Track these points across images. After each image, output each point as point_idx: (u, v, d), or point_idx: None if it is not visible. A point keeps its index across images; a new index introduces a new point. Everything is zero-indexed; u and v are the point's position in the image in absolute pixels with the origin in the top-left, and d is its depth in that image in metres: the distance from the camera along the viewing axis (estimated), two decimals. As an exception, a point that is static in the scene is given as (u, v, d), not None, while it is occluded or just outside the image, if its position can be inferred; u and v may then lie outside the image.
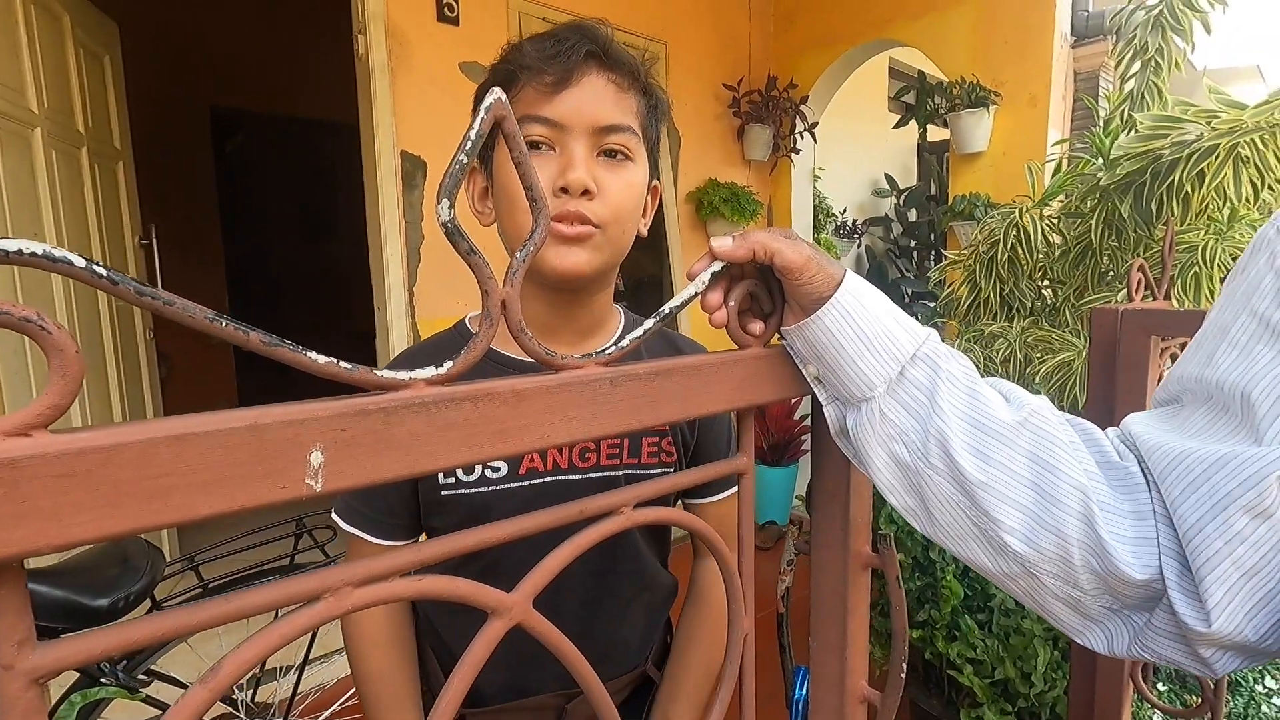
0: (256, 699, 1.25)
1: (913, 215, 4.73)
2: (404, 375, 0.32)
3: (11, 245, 0.23)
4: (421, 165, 2.14)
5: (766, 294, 0.49)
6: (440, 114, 2.15)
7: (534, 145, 0.60)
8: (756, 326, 0.48)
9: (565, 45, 0.60)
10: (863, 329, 0.43)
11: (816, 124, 3.25)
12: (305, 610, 0.30)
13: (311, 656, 1.26)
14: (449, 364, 0.34)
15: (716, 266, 0.46)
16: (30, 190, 1.76)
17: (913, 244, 4.77)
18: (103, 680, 0.97)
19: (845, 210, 4.53)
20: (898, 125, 3.53)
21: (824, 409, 0.49)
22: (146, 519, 0.25)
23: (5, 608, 0.24)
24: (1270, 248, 0.37)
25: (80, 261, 0.24)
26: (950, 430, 0.42)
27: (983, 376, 0.46)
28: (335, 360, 0.30)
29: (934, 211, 4.39)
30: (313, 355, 0.30)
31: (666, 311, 0.43)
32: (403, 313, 2.14)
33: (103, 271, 0.25)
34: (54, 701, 1.00)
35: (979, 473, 0.41)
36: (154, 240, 2.40)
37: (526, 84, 0.60)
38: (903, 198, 4.75)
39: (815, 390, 0.49)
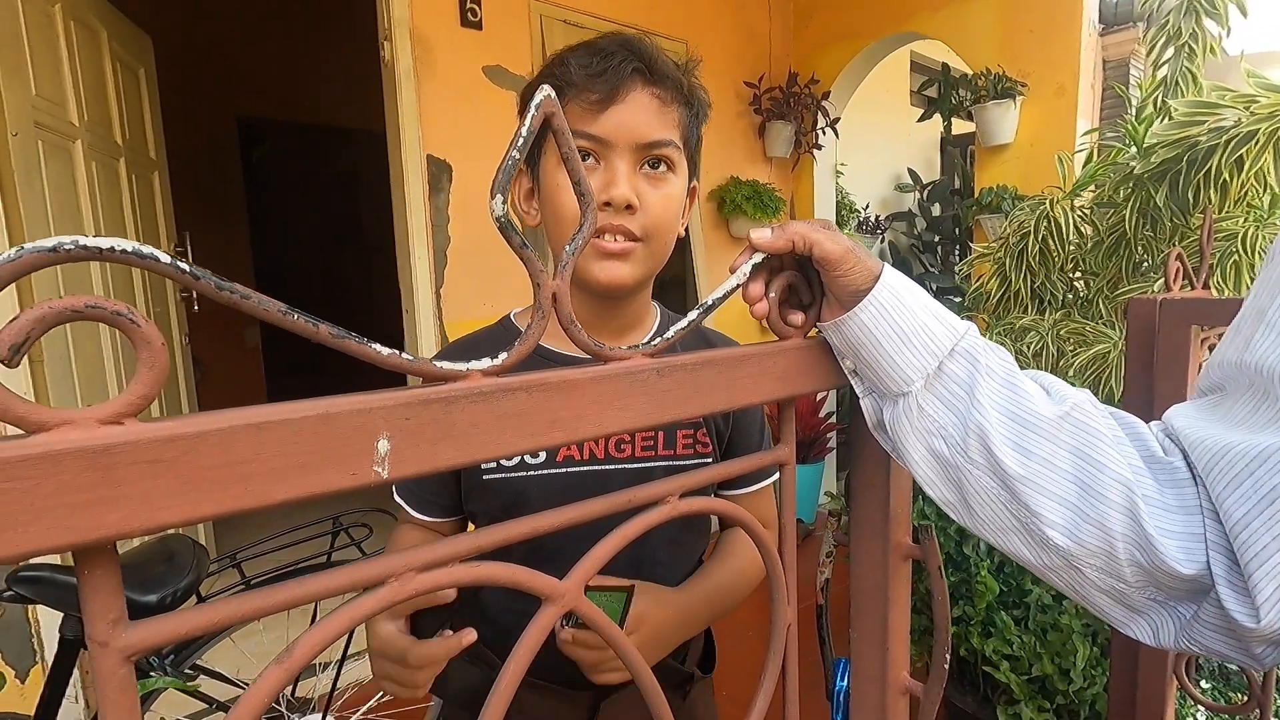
0: (296, 694, 1.28)
1: (936, 210, 4.67)
2: (461, 367, 0.33)
3: (105, 243, 0.25)
4: (447, 169, 2.17)
5: (806, 286, 0.49)
6: (464, 118, 2.17)
7: (582, 156, 0.62)
8: (797, 318, 0.49)
9: (611, 61, 0.62)
10: (900, 324, 0.43)
11: (838, 120, 3.23)
12: (372, 594, 0.31)
13: (350, 652, 1.29)
14: (503, 355, 0.35)
15: (757, 258, 0.46)
16: (72, 200, 1.82)
17: (937, 239, 4.71)
18: (152, 673, 1.00)
19: (868, 206, 4.49)
20: (922, 119, 3.49)
21: (860, 401, 0.49)
22: (229, 504, 0.26)
23: (100, 587, 0.25)
24: None
25: (165, 258, 0.25)
26: (990, 425, 0.42)
27: None
28: (398, 352, 0.31)
29: (958, 206, 4.34)
30: (377, 347, 0.31)
31: (710, 303, 0.44)
32: (430, 315, 2.16)
33: (186, 267, 0.26)
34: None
35: (1020, 467, 0.41)
36: (189, 248, 2.46)
37: (573, 99, 0.63)
38: (926, 192, 4.70)
39: (853, 383, 0.49)
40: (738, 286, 0.46)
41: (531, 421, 0.34)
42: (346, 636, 1.29)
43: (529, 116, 0.35)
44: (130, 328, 0.25)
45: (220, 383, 3.85)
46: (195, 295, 2.43)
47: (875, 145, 4.51)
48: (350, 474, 0.29)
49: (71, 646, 0.95)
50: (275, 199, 5.15)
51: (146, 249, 0.25)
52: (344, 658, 1.25)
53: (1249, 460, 0.35)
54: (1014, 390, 0.43)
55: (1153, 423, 0.45)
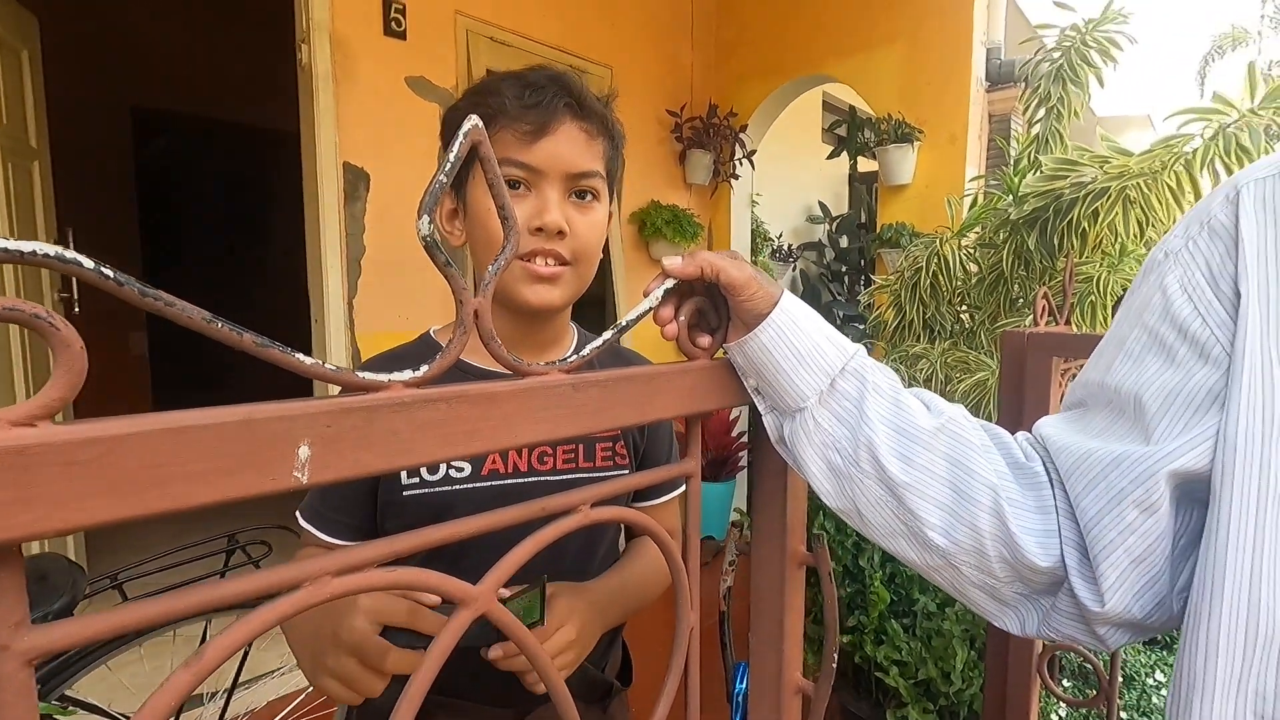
0: (179, 725, 1.19)
1: (844, 242, 4.95)
2: (383, 377, 0.35)
3: (26, 246, 0.25)
4: (364, 177, 2.12)
5: (713, 310, 0.53)
6: (385, 126, 2.13)
7: (511, 185, 0.65)
8: (704, 340, 0.53)
9: (544, 95, 0.65)
10: (796, 345, 0.48)
11: (754, 151, 3.38)
12: (286, 598, 0.32)
13: (241, 679, 1.22)
14: (425, 368, 0.36)
15: (669, 284, 0.50)
16: (-66, 188, 1.65)
17: (844, 269, 4.99)
18: (13, 706, 0.91)
19: (781, 235, 4.70)
20: (831, 156, 3.71)
21: (763, 418, 0.53)
22: (147, 506, 0.27)
23: (6, 590, 0.25)
24: (1159, 270, 0.43)
25: (89, 263, 0.26)
26: (878, 437, 0.46)
27: None
28: (320, 362, 0.33)
29: (864, 238, 4.62)
30: (300, 357, 0.32)
31: (624, 324, 0.47)
32: (341, 325, 2.10)
33: (110, 273, 0.26)
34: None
35: (904, 475, 0.46)
36: (71, 244, 2.27)
37: (505, 128, 0.65)
38: (835, 225, 4.97)
39: (755, 400, 0.53)
40: (650, 310, 0.49)
41: (451, 431, 0.36)
42: (239, 663, 1.22)
43: (457, 143, 0.37)
44: (49, 331, 0.26)
45: (100, 393, 3.54)
46: (75, 297, 2.25)
47: (789, 177, 4.74)
48: (270, 479, 0.30)
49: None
50: (172, 196, 4.82)
51: (69, 254, 0.26)
52: (234, 685, 1.18)
53: (1104, 465, 0.41)
54: (898, 405, 0.48)
55: (1019, 433, 0.51)
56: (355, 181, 2.09)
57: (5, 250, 0.25)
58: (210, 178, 5.06)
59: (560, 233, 0.65)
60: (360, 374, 0.34)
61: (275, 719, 1.27)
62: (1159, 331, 0.42)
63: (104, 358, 3.85)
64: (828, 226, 5.03)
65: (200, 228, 5.12)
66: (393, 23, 2.13)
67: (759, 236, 4.11)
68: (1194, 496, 0.40)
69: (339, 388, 0.34)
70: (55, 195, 2.40)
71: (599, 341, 0.45)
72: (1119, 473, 0.41)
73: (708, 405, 0.51)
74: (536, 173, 0.65)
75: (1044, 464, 0.47)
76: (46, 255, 0.25)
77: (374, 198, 2.13)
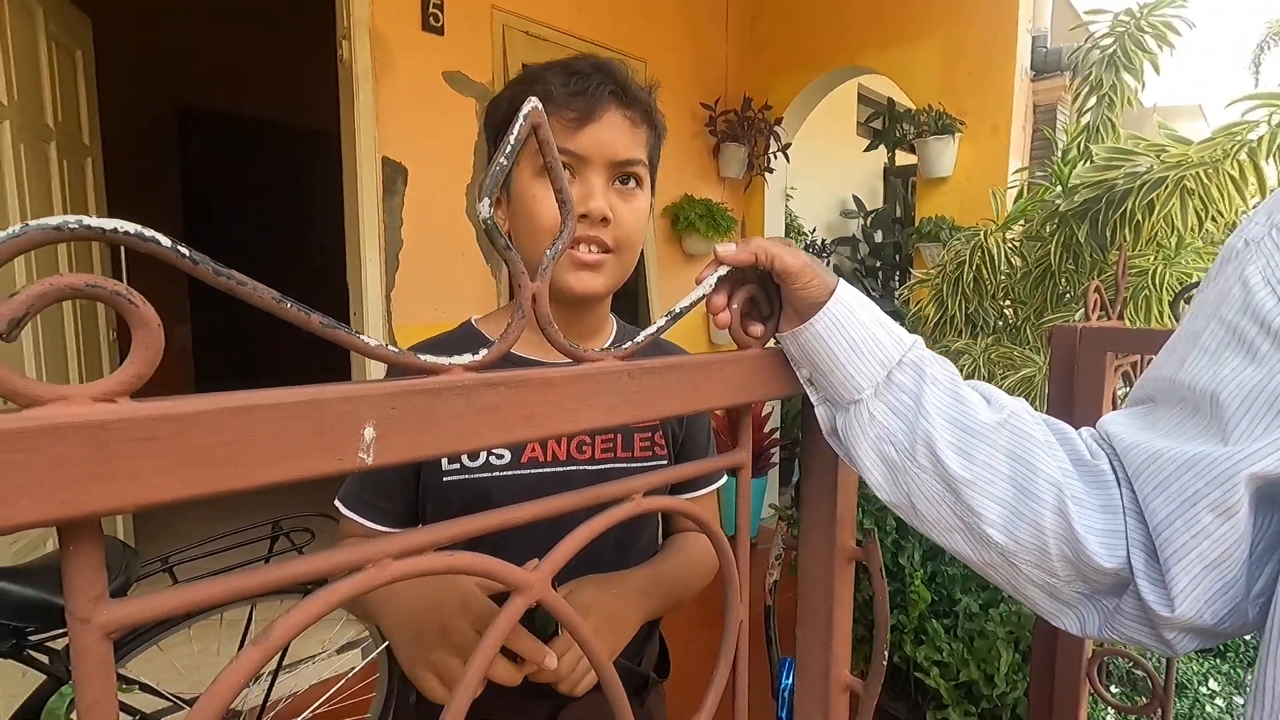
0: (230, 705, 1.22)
1: (879, 236, 4.87)
2: (444, 361, 0.35)
3: (107, 224, 0.25)
4: (403, 171, 2.14)
5: (766, 299, 0.52)
6: (422, 122, 2.16)
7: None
8: (757, 329, 0.52)
9: (590, 83, 0.65)
10: (851, 335, 0.47)
11: (789, 145, 3.34)
12: (349, 580, 0.32)
13: (285, 663, 1.24)
14: (484, 351, 0.36)
15: (722, 271, 0.49)
16: (-4, 183, 1.72)
17: (878, 264, 4.91)
18: (69, 683, 0.95)
19: (815, 229, 4.64)
20: (868, 149, 3.65)
21: (815, 409, 0.52)
22: (217, 483, 0.27)
23: (84, 564, 0.25)
24: (1238, 260, 0.41)
25: (167, 241, 0.26)
26: (936, 431, 0.45)
27: None
28: (384, 344, 0.32)
29: (899, 233, 4.53)
30: (365, 338, 0.32)
31: (678, 311, 0.46)
32: (379, 317, 2.13)
33: (185, 252, 0.26)
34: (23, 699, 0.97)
35: (963, 470, 0.44)
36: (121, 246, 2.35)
37: (550, 115, 0.65)
38: (869, 219, 4.89)
39: (807, 391, 0.52)
40: (704, 297, 0.48)
41: (510, 416, 0.36)
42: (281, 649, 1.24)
43: (518, 125, 0.36)
44: (128, 308, 0.26)
45: (144, 385, 3.65)
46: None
47: (823, 171, 4.68)
48: (336, 459, 0.30)
49: (-17, 654, 0.89)
50: (214, 192, 4.95)
51: (148, 232, 0.26)
52: (278, 668, 1.20)
53: (1176, 465, 0.39)
54: (957, 399, 0.47)
55: (1083, 429, 0.49)
56: (393, 176, 2.12)
57: (88, 227, 0.25)
58: (251, 175, 5.17)
59: (604, 220, 0.65)
60: (422, 357, 0.34)
61: (316, 703, 1.29)
62: (1238, 326, 0.40)
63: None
64: (862, 221, 4.96)
65: (240, 224, 5.25)
66: (431, 18, 2.15)
67: (793, 231, 4.07)
68: (1275, 500, 0.38)
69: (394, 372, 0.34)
70: (109, 191, 2.48)
71: (653, 329, 0.45)
72: (1193, 475, 0.39)
73: (759, 395, 0.51)
74: (581, 160, 0.65)
75: (1110, 461, 0.45)
76: (127, 233, 0.26)
77: (411, 192, 2.15)
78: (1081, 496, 0.43)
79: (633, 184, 0.69)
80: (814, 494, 0.61)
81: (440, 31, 2.18)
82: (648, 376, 0.43)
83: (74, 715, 0.68)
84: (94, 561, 0.26)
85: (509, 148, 0.36)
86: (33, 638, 0.95)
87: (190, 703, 1.18)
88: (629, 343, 0.43)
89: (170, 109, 4.16)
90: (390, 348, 0.32)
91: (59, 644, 0.99)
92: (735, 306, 0.50)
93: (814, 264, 0.48)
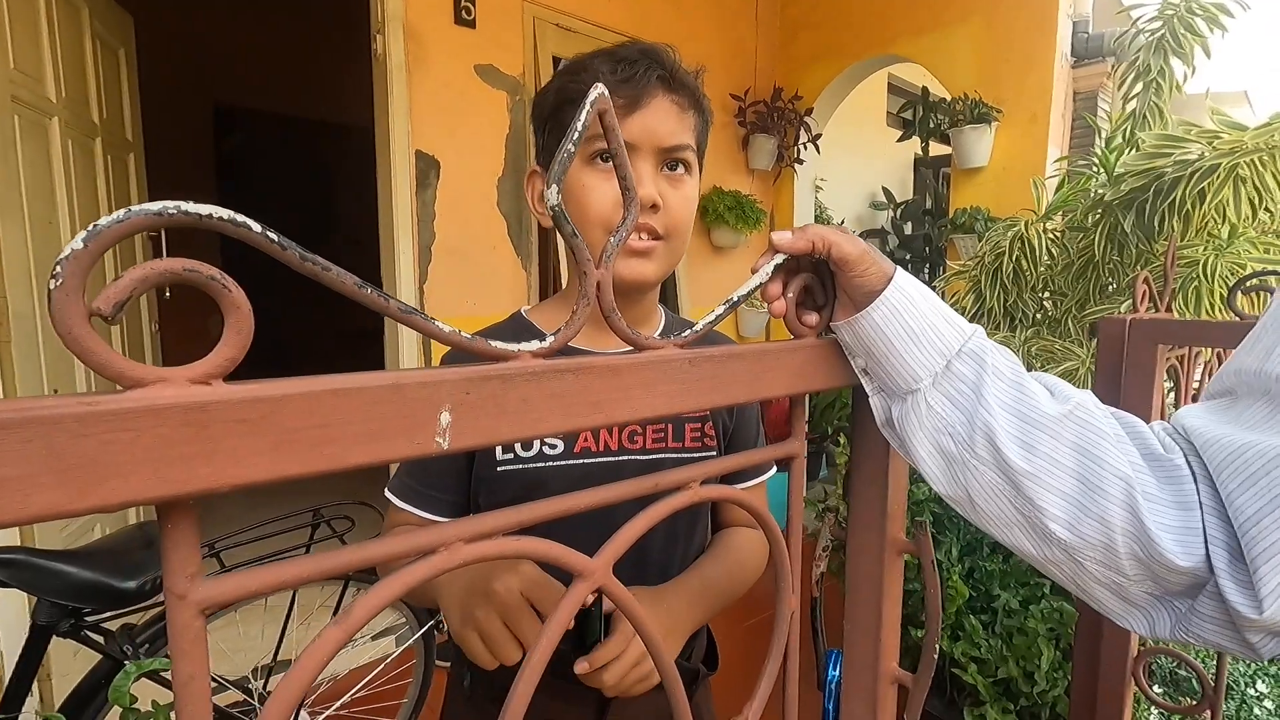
0: (269, 687, 1.26)
1: (909, 228, 4.80)
2: (513, 347, 0.35)
3: (204, 210, 0.26)
4: (435, 165, 2.16)
5: (820, 288, 0.52)
6: (455, 115, 2.17)
7: (603, 159, 0.66)
8: (812, 318, 0.51)
9: (637, 69, 0.65)
10: (910, 325, 0.46)
11: (820, 135, 3.30)
12: (424, 561, 0.32)
13: (325, 646, 1.27)
14: (550, 338, 0.36)
15: (778, 259, 0.48)
16: (46, 178, 1.77)
17: (908, 256, 4.84)
18: (127, 661, 0.98)
19: (844, 221, 4.59)
20: (901, 139, 3.59)
21: (870, 399, 0.52)
22: (310, 465, 0.27)
23: (182, 542, 0.26)
24: None
25: (257, 227, 0.27)
26: (996, 423, 0.44)
27: None
28: (457, 331, 0.33)
29: (929, 225, 4.46)
30: (439, 324, 0.32)
31: (735, 299, 0.46)
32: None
33: (275, 236, 0.27)
34: (76, 683, 1.00)
35: (1024, 463, 0.43)
36: (162, 232, 2.41)
37: None
38: (899, 211, 4.82)
39: (862, 381, 0.51)
40: (759, 286, 0.48)
41: (577, 402, 0.36)
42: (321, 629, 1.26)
43: (584, 112, 0.37)
44: (222, 292, 0.26)
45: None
46: (168, 282, 2.38)
47: (852, 163, 4.62)
48: (415, 443, 0.30)
49: (43, 634, 0.93)
50: (249, 188, 5.05)
51: (240, 218, 0.26)
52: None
53: (1265, 461, 0.38)
54: (1020, 389, 0.46)
55: (1155, 423, 0.48)
56: (426, 170, 2.14)
57: (185, 212, 0.26)
58: (285, 171, 5.26)
59: (654, 206, 0.65)
60: (492, 342, 0.34)
61: (355, 687, 1.32)
62: None
63: (184, 341, 4.06)
64: (892, 213, 4.89)
65: (274, 219, 5.34)
66: (463, 11, 2.16)
67: (822, 223, 4.02)
68: None
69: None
70: (151, 185, 2.54)
71: (711, 316, 0.44)
72: None
73: (816, 385, 0.50)
74: (630, 146, 0.65)
75: (1185, 457, 0.44)
76: (221, 218, 0.26)
77: (444, 185, 2.17)
78: (1154, 492, 0.42)
79: (681, 170, 0.69)
80: (864, 485, 0.61)
81: (472, 25, 2.19)
82: (709, 364, 0.43)
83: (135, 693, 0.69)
84: (191, 540, 0.27)
85: (576, 134, 0.36)
86: (89, 618, 0.99)
87: (235, 683, 1.21)
88: (688, 331, 0.43)
89: (208, 106, 4.25)
90: (463, 334, 0.33)
91: (114, 625, 1.02)
92: (790, 295, 0.50)
93: (871, 251, 0.48)
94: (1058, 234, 1.74)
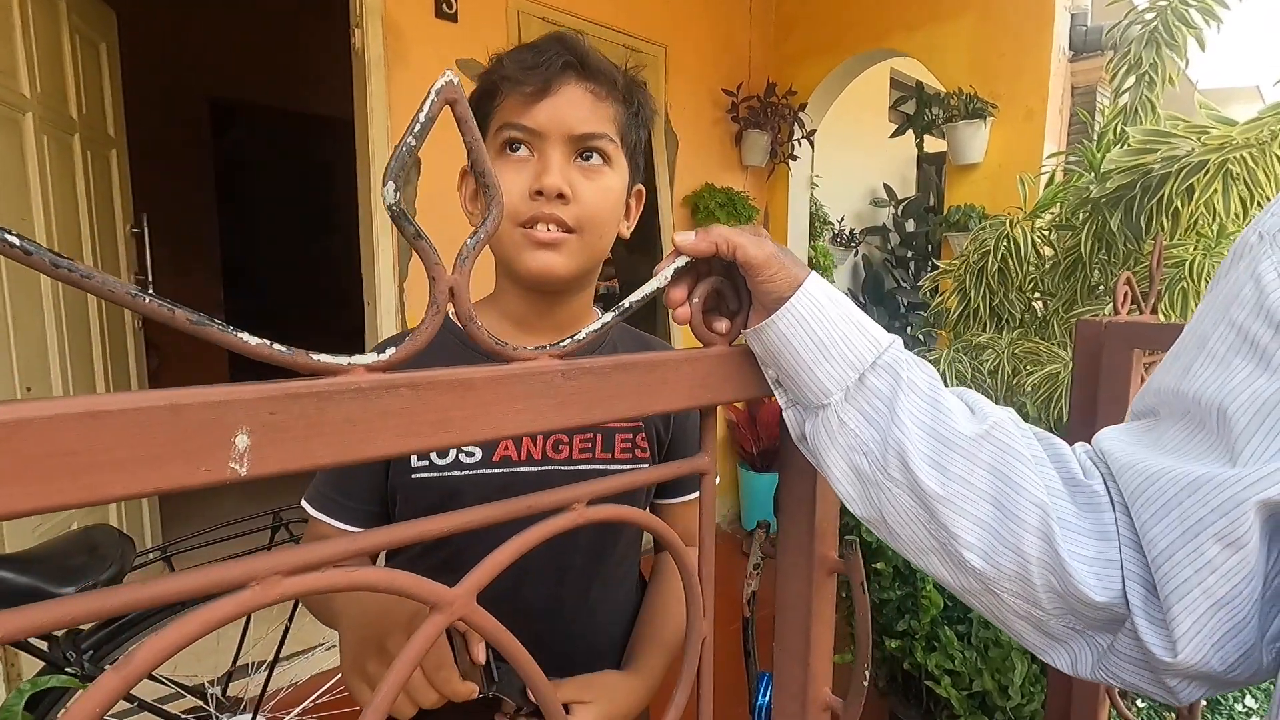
0: (228, 694, 1.24)
1: (910, 226, 4.74)
2: (342, 360, 0.32)
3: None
4: (417, 161, 2.13)
5: (733, 291, 0.48)
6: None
7: (512, 147, 0.63)
8: (721, 324, 0.48)
9: (544, 56, 0.62)
10: (818, 334, 0.43)
11: (814, 131, 3.25)
12: (231, 598, 0.29)
13: (285, 653, 1.25)
14: (391, 350, 0.33)
15: (681, 262, 0.45)
16: (19, 174, 1.75)
17: (910, 254, 4.78)
18: (68, 670, 0.96)
19: (843, 219, 4.54)
20: (895, 134, 3.54)
21: (784, 412, 0.48)
22: (53, 498, 0.24)
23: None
24: (1251, 255, 0.36)
25: (9, 235, 0.24)
26: (909, 441, 0.41)
27: (972, 386, 0.45)
28: (268, 343, 0.30)
29: (932, 222, 4.40)
30: (243, 336, 0.29)
31: (626, 306, 0.43)
32: (393, 308, 2.13)
33: (17, 242, 0.24)
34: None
35: (938, 486, 0.40)
36: (145, 229, 2.39)
37: (508, 93, 0.63)
38: (901, 208, 4.76)
39: (776, 393, 0.48)
40: (657, 290, 0.45)
41: (416, 421, 0.33)
42: (281, 635, 1.25)
43: (428, 102, 0.33)
44: None
45: (179, 371, 3.75)
46: (150, 279, 2.36)
47: (851, 158, 4.56)
48: (202, 470, 0.27)
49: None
50: (247, 184, 5.04)
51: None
52: (276, 658, 1.21)
53: (1179, 489, 0.34)
54: (936, 406, 0.42)
55: (1078, 444, 0.44)
56: (408, 167, 2.10)
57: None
58: (282, 164, 5.26)
59: (561, 195, 0.62)
60: (316, 357, 0.31)
61: (316, 693, 1.30)
62: (1250, 330, 0.34)
63: (182, 336, 4.06)
64: (893, 210, 4.82)
65: (272, 213, 5.34)
66: (444, 5, 2.13)
67: (818, 220, 3.98)
68: None
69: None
70: (139, 182, 2.53)
71: (595, 325, 0.41)
72: (1197, 499, 0.34)
73: (722, 397, 0.47)
74: (537, 134, 0.62)
75: (1105, 482, 0.40)
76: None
77: (425, 182, 2.14)
78: (1070, 520, 0.39)
79: (597, 159, 0.65)
80: (791, 501, 0.57)
81: (454, 19, 2.16)
82: (586, 377, 0.39)
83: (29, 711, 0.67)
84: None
85: (417, 126, 0.33)
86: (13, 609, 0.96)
87: (192, 690, 1.19)
88: (566, 340, 0.40)
89: (204, 101, 4.23)
90: (276, 346, 0.30)
91: (59, 630, 1.00)
92: (696, 300, 0.47)
93: (781, 255, 0.44)
94: (1045, 232, 1.69)
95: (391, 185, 0.33)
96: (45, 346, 1.85)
